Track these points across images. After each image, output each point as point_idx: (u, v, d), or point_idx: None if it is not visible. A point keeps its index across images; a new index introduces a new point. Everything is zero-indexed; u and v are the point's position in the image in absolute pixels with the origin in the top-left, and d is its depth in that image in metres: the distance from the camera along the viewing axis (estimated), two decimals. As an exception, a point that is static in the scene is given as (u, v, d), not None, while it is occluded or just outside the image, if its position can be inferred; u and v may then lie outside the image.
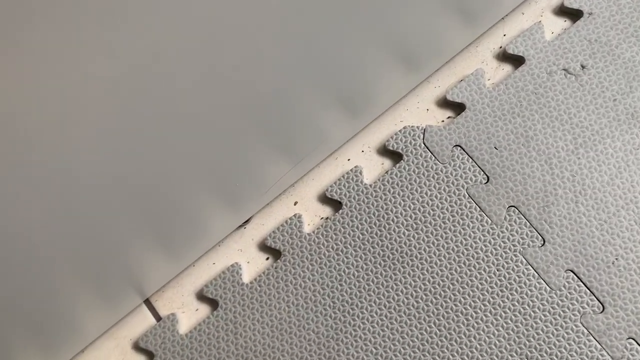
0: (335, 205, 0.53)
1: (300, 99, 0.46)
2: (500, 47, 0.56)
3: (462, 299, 0.49)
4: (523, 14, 0.56)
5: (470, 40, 0.56)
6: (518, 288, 0.49)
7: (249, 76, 0.39)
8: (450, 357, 0.48)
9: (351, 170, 0.53)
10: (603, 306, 0.48)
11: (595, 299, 0.48)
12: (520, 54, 0.54)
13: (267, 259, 0.52)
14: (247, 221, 0.53)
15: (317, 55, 0.43)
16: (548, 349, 0.47)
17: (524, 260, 0.50)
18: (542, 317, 0.48)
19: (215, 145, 0.43)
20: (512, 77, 0.54)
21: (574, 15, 0.55)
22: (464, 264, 0.50)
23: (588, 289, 0.49)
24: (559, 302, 0.48)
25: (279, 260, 0.51)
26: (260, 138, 0.47)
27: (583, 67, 0.53)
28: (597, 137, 0.51)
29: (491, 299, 0.49)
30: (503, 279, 0.49)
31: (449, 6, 0.50)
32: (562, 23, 0.56)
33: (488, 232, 0.50)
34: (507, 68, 0.55)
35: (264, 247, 0.52)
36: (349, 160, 0.55)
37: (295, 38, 0.40)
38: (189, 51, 0.33)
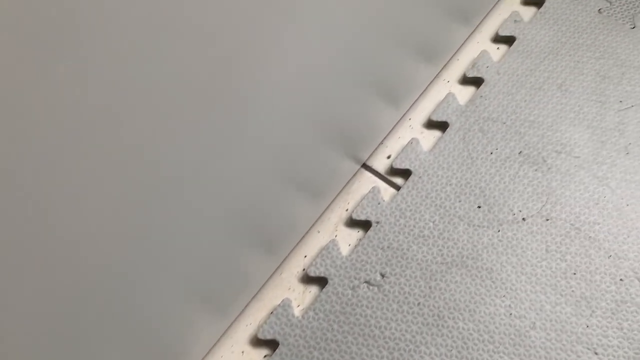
0: None
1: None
2: (304, 270, 0.56)
3: None
4: (319, 232, 0.58)
5: (275, 268, 0.56)
6: None
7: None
8: None
9: None
10: None
11: None
12: (322, 275, 0.54)
13: None
14: None
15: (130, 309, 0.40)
16: None
17: None
18: None
19: None
20: (319, 300, 0.53)
21: (364, 225, 0.58)
22: None
23: None
24: None
25: None
26: None
27: (383, 275, 0.54)
28: (411, 347, 0.51)
29: None
30: None
31: (248, 241, 0.50)
32: (356, 234, 0.57)
33: None
34: (313, 290, 0.55)
35: None
36: None
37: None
38: None
